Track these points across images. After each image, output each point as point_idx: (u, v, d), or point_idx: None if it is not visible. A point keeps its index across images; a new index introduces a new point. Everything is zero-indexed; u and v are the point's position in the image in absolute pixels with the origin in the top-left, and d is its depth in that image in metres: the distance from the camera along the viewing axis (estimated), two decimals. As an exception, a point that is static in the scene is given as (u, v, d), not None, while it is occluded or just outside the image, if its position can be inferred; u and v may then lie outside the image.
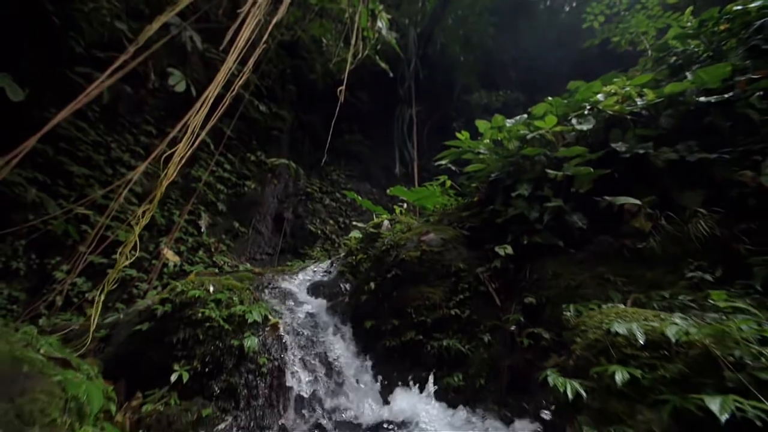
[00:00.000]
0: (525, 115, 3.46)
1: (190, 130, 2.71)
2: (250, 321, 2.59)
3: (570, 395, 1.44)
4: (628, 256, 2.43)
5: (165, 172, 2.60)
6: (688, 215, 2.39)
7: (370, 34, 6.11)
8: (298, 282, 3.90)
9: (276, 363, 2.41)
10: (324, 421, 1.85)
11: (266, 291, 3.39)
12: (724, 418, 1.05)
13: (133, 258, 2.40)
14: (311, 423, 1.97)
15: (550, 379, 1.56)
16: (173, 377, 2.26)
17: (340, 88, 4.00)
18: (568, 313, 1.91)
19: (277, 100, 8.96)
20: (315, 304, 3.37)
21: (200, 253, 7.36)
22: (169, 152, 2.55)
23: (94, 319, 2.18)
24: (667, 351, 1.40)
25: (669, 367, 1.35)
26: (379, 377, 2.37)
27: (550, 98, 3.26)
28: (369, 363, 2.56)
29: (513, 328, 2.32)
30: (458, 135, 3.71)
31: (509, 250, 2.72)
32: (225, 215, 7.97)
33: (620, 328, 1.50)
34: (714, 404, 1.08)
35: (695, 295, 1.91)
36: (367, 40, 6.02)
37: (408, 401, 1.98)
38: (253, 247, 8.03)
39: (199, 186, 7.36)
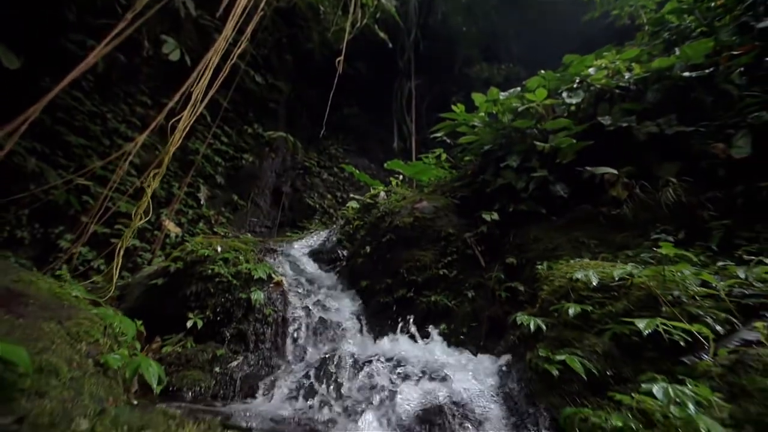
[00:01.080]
0: (519, 89, 3.59)
1: (193, 98, 2.85)
2: (255, 277, 2.87)
3: (532, 328, 1.72)
4: (603, 222, 2.68)
5: (172, 137, 2.76)
6: (661, 184, 2.62)
7: (369, 2, 6.02)
8: (298, 248, 4.17)
9: (280, 314, 2.71)
10: (324, 356, 2.15)
11: (268, 255, 3.65)
12: (646, 332, 1.33)
13: (148, 218, 2.62)
14: (313, 359, 2.28)
15: (518, 319, 1.84)
16: (189, 324, 2.56)
17: (338, 59, 4.07)
18: (541, 267, 2.17)
19: (273, 70, 8.87)
20: (314, 267, 3.65)
21: (200, 224, 7.60)
22: (175, 119, 2.71)
23: (116, 268, 2.44)
24: (616, 292, 1.67)
25: (615, 304, 1.62)
26: (374, 326, 2.68)
27: (543, 71, 3.39)
28: (364, 315, 2.87)
29: (494, 284, 2.60)
30: (454, 107, 3.85)
31: (495, 216, 2.97)
32: (223, 188, 8.15)
33: (579, 274, 1.77)
34: (641, 324, 1.35)
35: (655, 253, 2.18)
36: (366, 8, 5.94)
37: (397, 343, 2.29)
38: (252, 220, 8.27)
39: (197, 159, 7.48)
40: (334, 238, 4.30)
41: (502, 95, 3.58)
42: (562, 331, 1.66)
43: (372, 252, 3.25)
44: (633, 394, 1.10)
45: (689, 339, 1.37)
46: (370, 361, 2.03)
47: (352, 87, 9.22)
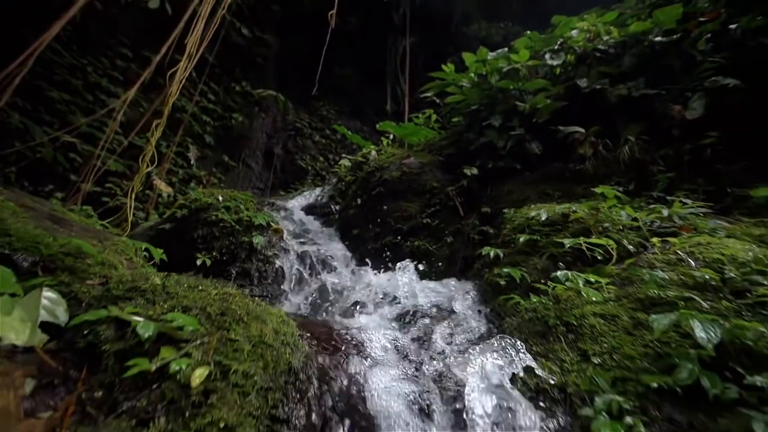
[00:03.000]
0: (506, 49, 3.82)
1: (188, 49, 3.04)
2: (256, 224, 3.26)
3: (492, 256, 2.18)
4: (568, 176, 3.10)
5: (170, 89, 2.99)
6: (622, 143, 3.01)
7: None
8: (292, 205, 4.55)
9: (280, 254, 3.14)
10: (320, 286, 2.62)
11: (266, 208, 4.02)
12: (568, 245, 1.78)
13: (155, 165, 2.93)
14: (310, 290, 2.75)
15: (483, 251, 2.30)
16: (198, 262, 2.97)
17: (330, 12, 4.16)
18: (508, 212, 2.61)
19: (260, 22, 8.65)
20: (309, 220, 4.05)
21: (192, 185, 7.84)
22: (173, 70, 2.92)
23: (130, 209, 2.79)
24: (560, 225, 2.12)
25: (558, 234, 2.07)
26: (364, 265, 3.14)
27: (529, 33, 3.61)
28: (355, 258, 3.33)
29: (469, 230, 3.05)
30: (444, 67, 4.07)
31: (475, 171, 3.36)
32: (213, 149, 8.29)
33: (533, 213, 2.20)
34: (567, 241, 1.81)
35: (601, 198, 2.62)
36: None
37: (384, 277, 2.76)
38: (244, 181, 8.52)
39: (184, 117, 7.54)
40: (327, 195, 4.67)
41: (491, 55, 3.82)
42: (515, 257, 2.12)
43: (363, 204, 3.65)
44: (549, 284, 1.56)
45: (606, 255, 1.83)
46: (361, 289, 2.50)
47: (344, 45, 9.09)
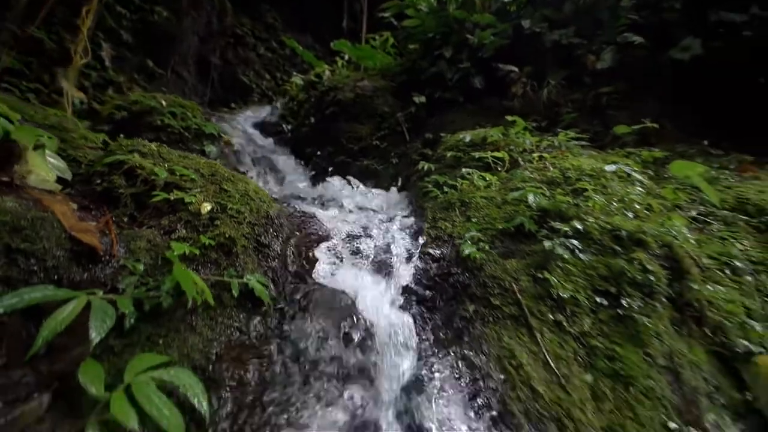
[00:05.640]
0: (465, -24, 4.13)
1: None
2: (207, 132, 3.51)
3: (425, 169, 2.86)
4: (501, 111, 3.81)
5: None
6: (545, 85, 3.75)
7: None
8: (242, 119, 4.72)
9: (234, 165, 3.50)
10: (279, 197, 3.13)
11: (213, 119, 4.18)
12: (478, 157, 2.52)
13: (88, 59, 2.94)
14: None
15: (419, 166, 2.96)
16: (150, 165, 3.23)
17: None
18: (445, 136, 3.27)
19: None
20: (260, 137, 4.34)
21: (110, 91, 7.21)
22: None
23: (69, 101, 2.87)
24: (480, 145, 2.83)
25: (477, 151, 2.79)
26: (316, 179, 3.67)
27: (487, -38, 3.95)
28: (307, 174, 3.83)
29: (413, 153, 3.69)
30: (403, -14, 4.27)
31: (423, 99, 3.90)
32: (133, 49, 7.48)
33: (461, 135, 2.88)
34: (476, 154, 2.54)
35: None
36: None
37: (334, 188, 3.34)
38: (174, 93, 7.97)
39: (91, 5, 6.62)
40: (278, 114, 4.90)
41: (450, -19, 4.12)
42: (443, 169, 2.83)
43: (316, 123, 4.04)
44: (458, 181, 2.30)
45: (503, 165, 2.61)
46: (314, 198, 3.08)
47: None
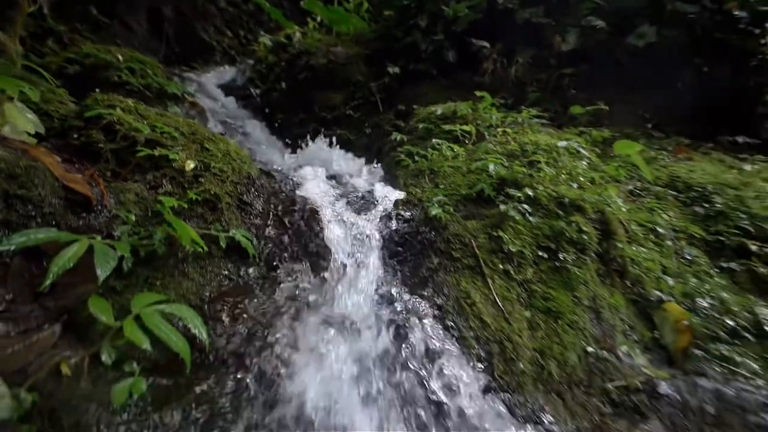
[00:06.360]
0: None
1: None
2: (170, 92, 3.40)
3: (398, 140, 3.03)
4: (471, 86, 4.01)
5: None
6: (514, 63, 3.98)
7: None
8: (204, 80, 4.55)
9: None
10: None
11: (175, 78, 4.02)
12: (448, 129, 2.73)
13: (32, 8, 2.73)
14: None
15: (392, 137, 3.12)
16: (110, 124, 3.12)
17: None
18: (417, 109, 3.43)
19: None
20: (227, 101, 4.24)
21: (50, 42, 6.54)
22: None
23: (17, 53, 2.68)
24: (450, 118, 3.03)
25: (447, 124, 2.99)
26: (288, 146, 3.72)
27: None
28: (279, 141, 3.86)
29: (386, 124, 3.83)
30: (381, -53, 4.21)
31: (398, 70, 3.99)
32: (73, -8, 6.77)
33: (432, 108, 3.06)
34: (447, 126, 2.74)
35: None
36: None
37: (308, 154, 3.43)
38: (123, 46, 7.36)
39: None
40: (246, 77, 4.77)
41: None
42: (415, 141, 3.01)
43: (288, 89, 4.02)
44: (428, 151, 2.50)
45: (471, 138, 2.84)
46: (291, 163, 3.16)
47: None
